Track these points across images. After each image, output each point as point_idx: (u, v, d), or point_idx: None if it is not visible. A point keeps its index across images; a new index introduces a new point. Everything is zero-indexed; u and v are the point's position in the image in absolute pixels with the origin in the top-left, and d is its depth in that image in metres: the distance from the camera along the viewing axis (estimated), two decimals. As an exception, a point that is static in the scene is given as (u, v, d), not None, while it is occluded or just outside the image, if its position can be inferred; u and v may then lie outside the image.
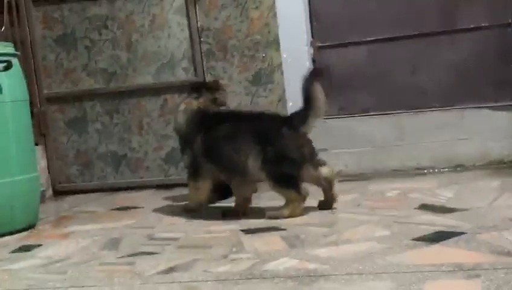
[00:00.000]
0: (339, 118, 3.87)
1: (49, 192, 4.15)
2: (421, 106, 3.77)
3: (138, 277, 2.02)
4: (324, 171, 2.79)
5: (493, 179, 3.14)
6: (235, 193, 2.98)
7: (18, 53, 3.15)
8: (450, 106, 3.72)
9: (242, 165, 2.78)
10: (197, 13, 3.91)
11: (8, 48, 3.03)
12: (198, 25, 3.92)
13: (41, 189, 3.54)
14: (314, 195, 2.78)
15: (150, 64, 4.03)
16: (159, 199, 3.56)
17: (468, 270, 1.71)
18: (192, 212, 3.01)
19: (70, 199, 3.98)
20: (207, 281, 1.89)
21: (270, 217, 2.70)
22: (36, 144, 3.33)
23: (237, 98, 3.85)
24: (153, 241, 2.54)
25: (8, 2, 3.90)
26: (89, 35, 4.10)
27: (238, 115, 3.12)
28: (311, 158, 2.76)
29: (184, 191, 3.30)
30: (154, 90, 4.02)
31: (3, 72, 2.89)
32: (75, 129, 4.20)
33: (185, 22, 3.95)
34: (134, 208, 3.37)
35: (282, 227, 2.51)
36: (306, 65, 3.78)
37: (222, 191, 3.16)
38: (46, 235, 2.89)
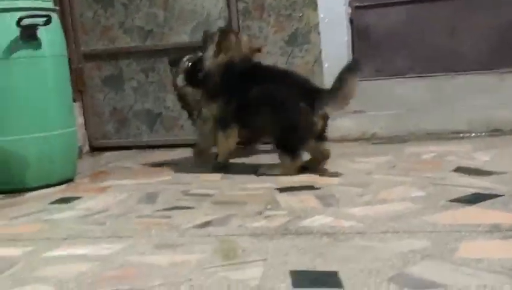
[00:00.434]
0: (375, 80, 3.84)
1: (86, 148, 4.22)
2: (459, 69, 3.71)
3: (175, 229, 2.06)
4: (323, 147, 2.86)
5: (531, 144, 3.10)
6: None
7: (57, 8, 3.17)
8: (489, 70, 3.66)
9: (258, 125, 2.89)
10: (235, -29, 3.89)
11: (47, 2, 3.05)
12: (235, -17, 3.89)
13: (79, 145, 3.60)
14: (345, 155, 2.78)
15: (186, 23, 4.03)
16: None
17: (506, 231, 1.71)
18: (220, 168, 3.04)
19: (106, 155, 4.04)
20: (242, 235, 1.92)
21: (260, 174, 2.84)
22: (73, 101, 3.38)
23: (272, 58, 3.83)
24: (189, 196, 2.57)
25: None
26: (126, -8, 4.11)
27: (266, 72, 3.06)
28: (319, 134, 2.82)
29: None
30: (190, 49, 4.01)
31: (43, 27, 2.92)
32: (111, 87, 4.24)
33: (222, -20, 3.93)
34: (169, 165, 3.41)
35: (317, 186, 2.52)
36: (344, 25, 3.75)
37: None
38: (84, 188, 2.95)
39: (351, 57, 3.76)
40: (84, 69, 4.21)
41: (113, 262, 1.76)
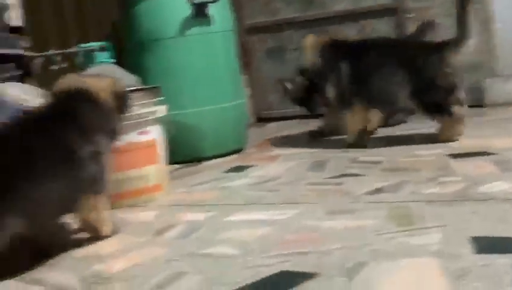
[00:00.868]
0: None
1: (253, 119, 4.37)
2: None
3: (347, 196, 2.09)
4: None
5: None
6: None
7: (226, -16, 3.29)
8: None
9: (390, 94, 2.84)
10: None
11: (216, -21, 3.18)
12: None
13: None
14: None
15: (348, -10, 4.00)
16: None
17: None
18: (354, 146, 2.97)
19: (271, 126, 4.16)
20: (417, 201, 1.90)
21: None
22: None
23: (439, 19, 3.69)
24: (358, 163, 2.59)
25: None
26: (287, -37, 4.16)
27: (385, 42, 3.05)
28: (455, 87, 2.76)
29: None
30: (353, 16, 3.99)
31: (213, 4, 3.05)
32: (274, 58, 4.33)
33: None
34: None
35: (492, 151, 2.42)
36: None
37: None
38: (255, 157, 3.07)
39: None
40: (249, 42, 4.33)
41: (291, 226, 1.82)
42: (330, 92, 3.04)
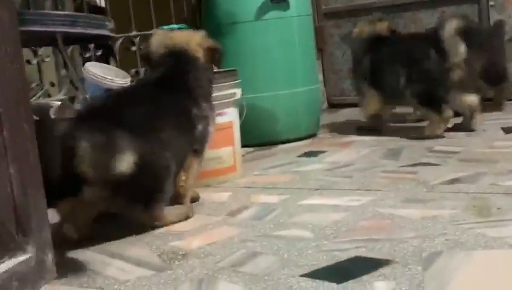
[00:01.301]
0: None
1: (325, 104, 4.36)
2: None
3: (423, 185, 2.07)
4: (470, 99, 2.85)
5: None
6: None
7: (302, -31, 3.29)
8: None
9: (393, 85, 2.96)
10: None
11: (294, -36, 3.18)
12: None
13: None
14: None
15: (426, -24, 3.92)
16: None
17: None
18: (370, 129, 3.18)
19: (344, 112, 4.14)
20: (496, 193, 1.87)
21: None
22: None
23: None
24: (433, 153, 2.55)
25: None
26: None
27: (398, 37, 3.20)
28: (460, 83, 2.78)
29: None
30: (432, 2, 3.91)
31: (291, -12, 3.06)
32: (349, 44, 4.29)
33: None
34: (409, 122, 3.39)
35: None
36: None
37: None
38: (328, 143, 3.07)
39: None
40: (325, 27, 4.32)
41: (365, 213, 1.83)
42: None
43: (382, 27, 3.17)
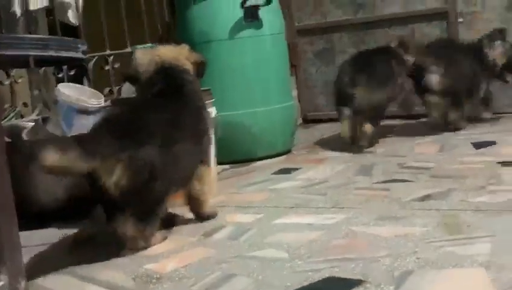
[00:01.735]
0: None
1: (299, 120, 4.39)
2: None
3: (395, 202, 2.10)
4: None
5: None
6: None
7: (276, -13, 3.32)
8: None
9: None
10: None
11: (268, -17, 3.22)
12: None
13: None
14: None
15: (398, -7, 3.99)
16: (406, 129, 3.58)
17: None
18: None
19: (318, 127, 4.17)
20: (466, 210, 1.90)
21: None
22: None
23: (492, 25, 3.65)
24: (406, 169, 2.59)
25: None
26: (337, -34, 4.17)
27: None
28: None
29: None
30: (402, 20, 3.98)
31: (264, 8, 3.08)
32: (323, 60, 4.35)
33: None
34: (381, 137, 3.42)
35: (543, 160, 2.40)
36: None
37: None
38: (302, 159, 3.10)
39: None
40: (298, 44, 4.36)
41: (339, 231, 1.84)
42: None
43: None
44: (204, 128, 2.10)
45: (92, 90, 2.59)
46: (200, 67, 2.17)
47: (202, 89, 2.48)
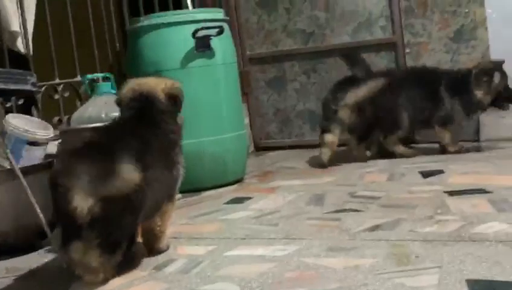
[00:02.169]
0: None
1: (251, 148, 4.41)
2: None
3: (345, 232, 2.12)
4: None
5: None
6: None
7: (228, 18, 3.36)
8: None
9: None
10: (396, -30, 3.87)
11: (219, 13, 3.24)
12: (397, -18, 3.88)
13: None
14: None
15: (347, 24, 4.08)
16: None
17: None
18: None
19: (270, 155, 4.20)
20: (414, 241, 1.94)
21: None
22: (241, 103, 3.56)
23: (436, 56, 3.76)
24: (356, 198, 2.62)
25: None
26: (289, -4, 4.24)
27: None
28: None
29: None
30: (351, 50, 4.05)
31: (216, 37, 3.11)
32: (274, 88, 4.39)
33: (383, -21, 3.93)
34: (332, 165, 3.46)
35: (488, 190, 2.46)
36: (513, 20, 3.59)
37: None
38: (254, 188, 3.11)
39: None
40: (250, 72, 4.40)
41: (290, 263, 1.85)
42: None
43: None
44: (175, 160, 2.10)
45: (41, 121, 2.56)
46: (176, 101, 2.19)
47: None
